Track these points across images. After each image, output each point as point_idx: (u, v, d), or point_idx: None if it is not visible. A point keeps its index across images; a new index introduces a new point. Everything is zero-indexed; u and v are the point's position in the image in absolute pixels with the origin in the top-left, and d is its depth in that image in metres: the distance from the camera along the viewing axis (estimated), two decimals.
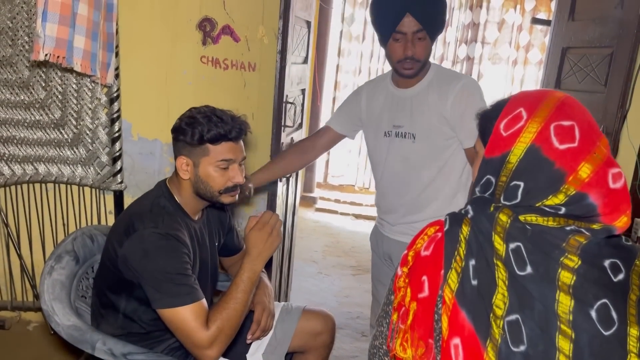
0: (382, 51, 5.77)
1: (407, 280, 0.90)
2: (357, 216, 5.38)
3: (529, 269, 0.79)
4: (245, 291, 1.39)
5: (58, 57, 1.75)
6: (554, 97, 0.85)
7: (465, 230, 0.86)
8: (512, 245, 0.81)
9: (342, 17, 5.55)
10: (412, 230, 1.69)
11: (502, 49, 5.45)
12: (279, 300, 2.56)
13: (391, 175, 1.79)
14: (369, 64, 5.65)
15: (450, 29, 5.47)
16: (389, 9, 1.63)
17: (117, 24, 2.13)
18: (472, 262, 0.84)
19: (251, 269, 1.42)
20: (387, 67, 5.92)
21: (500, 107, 0.89)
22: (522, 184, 0.83)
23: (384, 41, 1.69)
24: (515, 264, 0.80)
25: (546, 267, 0.78)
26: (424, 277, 0.87)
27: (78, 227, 2.41)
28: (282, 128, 2.14)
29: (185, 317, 1.31)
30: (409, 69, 1.65)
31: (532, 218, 0.82)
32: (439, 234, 0.89)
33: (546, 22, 4.64)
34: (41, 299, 1.40)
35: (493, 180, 0.87)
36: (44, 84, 2.20)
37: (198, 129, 1.40)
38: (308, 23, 2.46)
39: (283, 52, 2.02)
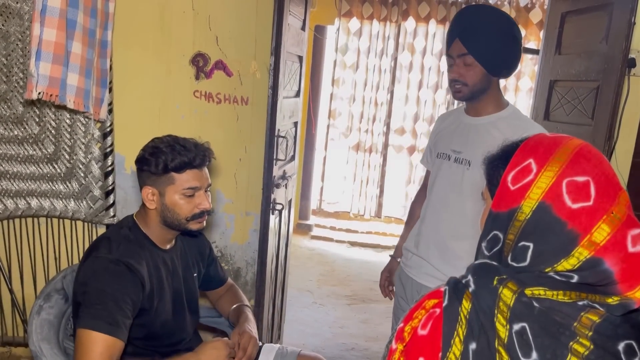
0: (376, 80, 5.81)
1: (402, 359, 0.83)
2: (353, 243, 5.36)
3: (534, 355, 0.71)
4: None
5: (51, 95, 1.78)
6: (567, 148, 0.77)
7: (466, 306, 0.77)
8: (516, 327, 0.73)
9: (336, 47, 5.62)
10: (441, 272, 1.68)
11: None
12: (272, 333, 2.55)
13: (434, 201, 1.77)
14: (363, 92, 5.71)
15: (443, 57, 5.55)
16: (448, 33, 1.70)
17: (111, 60, 2.16)
18: (473, 346, 0.76)
19: None
20: (381, 97, 5.94)
21: (508, 155, 0.82)
22: (531, 245, 0.75)
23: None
24: (520, 350, 0.72)
25: (553, 353, 0.71)
26: (421, 359, 0.80)
27: (70, 262, 2.41)
28: (274, 161, 2.15)
29: (95, 343, 1.28)
30: (457, 91, 1.67)
31: (540, 292, 0.74)
32: (437, 310, 0.81)
33: (535, 52, 4.72)
34: (29, 340, 1.39)
35: (501, 236, 0.79)
36: (37, 120, 2.22)
37: (162, 158, 1.41)
38: (300, 58, 2.50)
39: (275, 88, 2.05)
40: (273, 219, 2.24)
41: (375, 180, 5.88)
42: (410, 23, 5.51)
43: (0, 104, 2.19)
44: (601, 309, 0.72)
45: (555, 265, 0.73)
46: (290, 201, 2.58)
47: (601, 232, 0.72)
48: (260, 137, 2.32)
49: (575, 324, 0.71)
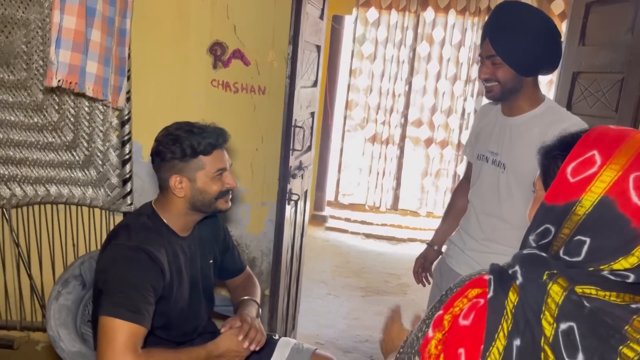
0: (394, 70, 5.76)
1: (440, 347, 0.79)
2: (368, 235, 5.36)
3: (580, 357, 0.68)
4: (192, 358, 1.40)
5: (70, 82, 1.78)
6: (636, 141, 0.73)
7: (512, 300, 0.74)
8: (563, 326, 0.69)
9: (353, 37, 5.58)
10: (480, 265, 1.66)
11: None
12: (286, 323, 2.55)
13: (476, 200, 1.77)
14: (380, 83, 5.67)
15: (463, 48, 5.48)
16: (482, 32, 1.68)
17: (129, 49, 2.16)
18: (517, 342, 0.73)
19: (210, 354, 1.43)
20: (398, 89, 5.91)
21: (568, 146, 0.78)
22: (588, 241, 0.72)
23: None
24: (565, 350, 0.69)
25: (601, 356, 0.68)
26: (461, 350, 0.77)
27: (88, 248, 2.43)
28: (291, 152, 2.14)
29: (118, 330, 1.28)
30: (488, 91, 1.65)
31: (591, 291, 0.72)
32: (481, 301, 0.77)
33: None
34: (47, 325, 1.41)
35: (552, 230, 0.75)
36: (57, 107, 2.24)
37: (186, 143, 1.42)
38: (318, 47, 2.48)
39: (292, 77, 2.04)
40: (289, 210, 2.24)
41: (392, 172, 5.85)
42: (429, 13, 5.45)
43: (21, 92, 2.21)
44: None
45: (612, 263, 0.71)
46: (306, 192, 2.57)
47: None
48: (277, 127, 2.31)
49: (626, 327, 0.68)
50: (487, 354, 0.73)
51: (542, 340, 0.71)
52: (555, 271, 0.73)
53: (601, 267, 0.71)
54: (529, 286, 0.73)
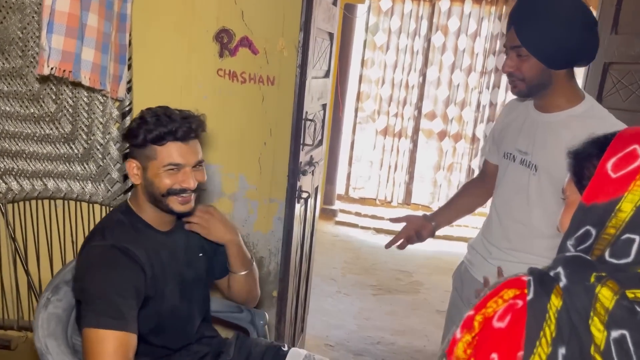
0: (407, 61, 5.60)
1: (469, 352, 0.73)
2: (378, 230, 5.23)
3: None
4: None
5: (64, 71, 1.66)
6: None
7: (556, 303, 0.68)
8: (614, 334, 0.64)
9: (366, 27, 5.42)
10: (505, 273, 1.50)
11: None
12: (295, 326, 2.43)
13: (501, 204, 1.60)
14: (393, 74, 5.50)
15: (478, 39, 5.30)
16: (507, 21, 1.50)
17: (130, 35, 2.03)
18: (562, 351, 0.67)
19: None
20: (412, 80, 5.75)
21: (601, 144, 0.75)
22: (637, 239, 0.68)
23: None
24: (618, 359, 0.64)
25: None
26: (494, 355, 0.70)
27: None
28: (301, 146, 2.01)
29: (104, 341, 1.18)
30: (513, 86, 1.48)
31: None
32: (519, 303, 0.71)
33: None
34: (35, 336, 1.30)
35: (593, 232, 0.71)
36: (54, 97, 2.11)
37: (143, 128, 1.32)
38: (331, 35, 2.34)
39: (303, 67, 1.90)
40: (298, 208, 2.11)
41: (404, 166, 5.71)
42: (444, 2, 5.27)
43: (16, 80, 2.09)
44: None
45: None
46: (316, 188, 2.44)
47: None
48: (286, 119, 2.17)
49: None
50: (530, 358, 0.67)
51: (592, 349, 0.65)
52: (603, 274, 0.68)
53: None
54: (575, 289, 0.68)
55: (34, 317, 2.33)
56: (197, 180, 1.38)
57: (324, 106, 2.39)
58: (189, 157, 1.35)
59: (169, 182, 1.34)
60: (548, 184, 1.46)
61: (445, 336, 1.84)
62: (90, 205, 2.27)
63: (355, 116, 5.73)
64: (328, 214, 5.45)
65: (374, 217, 5.53)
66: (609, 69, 2.22)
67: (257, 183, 2.31)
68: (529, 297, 0.70)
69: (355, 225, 5.31)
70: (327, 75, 2.39)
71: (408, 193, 5.79)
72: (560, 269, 0.71)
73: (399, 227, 1.84)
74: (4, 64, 2.06)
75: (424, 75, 5.46)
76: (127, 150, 2.10)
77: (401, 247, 1.84)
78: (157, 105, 1.40)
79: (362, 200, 5.93)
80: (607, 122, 1.41)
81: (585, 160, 0.77)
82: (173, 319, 1.46)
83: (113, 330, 1.19)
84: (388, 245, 1.84)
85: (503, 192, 1.59)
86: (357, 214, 5.59)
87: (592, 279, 0.67)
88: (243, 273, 1.60)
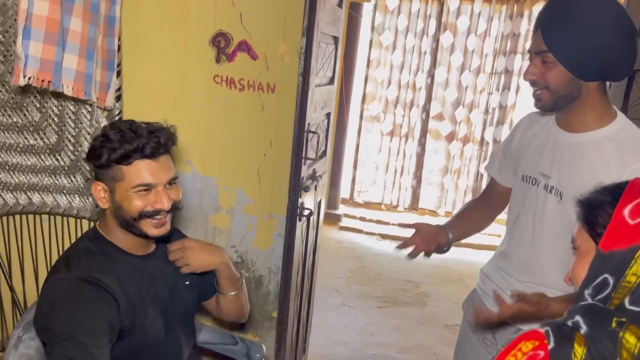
0: (415, 62, 5.43)
1: None
2: (384, 236, 5.07)
3: None
4: None
5: (43, 80, 1.51)
6: None
7: (580, 351, 0.68)
8: None
9: (372, 26, 5.26)
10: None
11: None
12: (296, 348, 2.29)
13: (520, 236, 1.43)
14: (399, 75, 5.34)
15: (488, 39, 5.14)
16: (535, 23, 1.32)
17: (119, 40, 1.89)
18: None
19: None
20: (419, 81, 5.57)
21: (613, 192, 0.75)
22: None
23: None
24: None
25: None
26: None
27: None
28: (303, 160, 1.86)
29: None
30: (537, 98, 1.30)
31: None
32: (541, 353, 0.69)
33: None
34: None
35: (612, 280, 0.71)
36: (38, 106, 1.98)
37: (106, 147, 1.17)
38: (335, 39, 2.18)
39: (305, 75, 1.75)
40: (300, 226, 1.96)
41: (410, 169, 5.55)
42: (453, 1, 5.11)
43: None
44: None
45: None
46: (319, 202, 2.28)
47: None
48: (287, 129, 2.02)
49: None
50: None
51: None
52: (624, 319, 0.68)
53: None
54: (597, 335, 0.68)
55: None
56: (172, 199, 1.24)
57: (327, 115, 2.24)
58: (161, 175, 1.21)
59: (140, 204, 1.20)
60: (573, 212, 1.29)
61: None
62: (78, 220, 2.13)
63: (361, 118, 5.57)
64: (332, 218, 5.30)
65: (379, 222, 5.38)
66: (635, 76, 2.06)
67: (257, 197, 2.16)
68: (550, 347, 0.69)
69: (359, 231, 5.16)
70: (331, 81, 2.24)
71: (415, 197, 5.64)
72: (578, 318, 0.71)
73: (406, 232, 1.66)
74: None
75: (432, 76, 5.30)
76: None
77: (413, 255, 1.61)
78: (122, 120, 1.26)
79: (367, 205, 5.78)
80: (638, 138, 1.26)
81: (599, 208, 0.77)
82: (157, 351, 1.32)
83: None
84: (399, 248, 1.61)
85: (524, 220, 1.42)
86: (362, 219, 5.44)
87: (614, 325, 0.67)
88: (233, 293, 1.45)
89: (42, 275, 2.20)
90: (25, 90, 1.94)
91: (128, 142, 1.16)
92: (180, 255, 1.34)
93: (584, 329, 0.69)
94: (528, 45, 5.14)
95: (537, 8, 4.91)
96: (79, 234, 2.14)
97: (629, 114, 2.09)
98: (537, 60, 1.27)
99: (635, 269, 0.69)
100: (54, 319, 1.11)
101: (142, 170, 1.18)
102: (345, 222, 5.37)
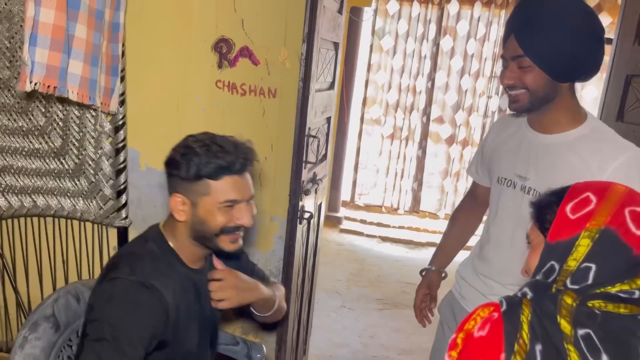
0: (414, 66, 5.47)
1: None
2: (384, 239, 5.11)
3: (604, 358, 0.74)
4: None
5: (49, 86, 1.54)
6: (620, 186, 0.85)
7: (527, 312, 0.80)
8: (581, 332, 0.76)
9: (372, 30, 5.29)
10: None
11: None
12: (297, 350, 2.31)
13: (497, 238, 1.46)
14: (400, 79, 5.38)
15: (487, 43, 5.17)
16: (505, 29, 1.36)
17: (123, 46, 1.92)
18: (539, 347, 0.77)
19: None
20: (420, 85, 5.61)
21: (559, 194, 0.87)
22: (594, 266, 0.79)
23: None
24: (588, 352, 0.75)
25: (626, 356, 0.74)
26: None
27: (79, 264, 2.21)
28: (304, 164, 1.89)
29: None
30: (513, 100, 1.32)
31: (600, 304, 0.78)
32: (495, 314, 0.82)
33: (607, 41, 4.31)
34: None
35: (557, 266, 0.82)
36: (43, 110, 2.01)
37: (194, 161, 1.17)
38: (336, 45, 2.21)
39: (306, 80, 1.78)
40: (300, 228, 1.99)
41: (411, 172, 5.58)
42: (453, 5, 5.15)
43: (3, 92, 1.98)
44: None
45: (618, 285, 0.78)
46: (320, 205, 2.31)
47: None
48: (288, 133, 2.05)
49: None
50: (512, 358, 0.76)
51: (565, 341, 0.76)
52: (562, 287, 0.80)
53: (608, 288, 0.78)
54: (541, 298, 0.80)
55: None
56: (252, 216, 1.25)
57: (328, 119, 2.27)
58: (245, 192, 1.22)
59: (223, 219, 1.20)
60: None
61: None
62: (82, 223, 2.16)
63: (361, 122, 5.61)
64: (333, 221, 5.33)
65: (379, 224, 5.41)
66: (631, 82, 2.09)
67: (258, 200, 2.18)
68: (503, 309, 0.82)
69: (360, 233, 5.19)
70: (331, 86, 2.27)
71: (416, 200, 5.67)
72: (526, 289, 0.84)
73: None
74: None
75: (432, 80, 5.33)
76: (122, 165, 2.00)
77: (428, 317, 1.76)
78: (202, 132, 1.25)
79: (368, 207, 5.81)
80: (616, 144, 1.29)
81: (547, 207, 0.87)
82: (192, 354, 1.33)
83: None
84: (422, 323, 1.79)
85: (504, 222, 1.44)
86: (363, 222, 5.47)
87: (554, 290, 0.80)
88: (268, 314, 1.47)
89: (46, 277, 2.23)
90: (31, 95, 1.97)
91: (217, 157, 1.16)
92: (220, 289, 1.33)
93: (530, 294, 0.82)
94: None
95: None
96: (83, 237, 2.17)
97: (625, 118, 2.12)
98: (513, 65, 1.29)
99: (575, 255, 0.80)
100: (106, 316, 1.13)
101: (229, 186, 1.18)
102: (345, 224, 5.40)
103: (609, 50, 4.20)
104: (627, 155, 1.25)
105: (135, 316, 1.14)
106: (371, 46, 5.36)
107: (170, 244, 1.28)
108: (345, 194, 5.71)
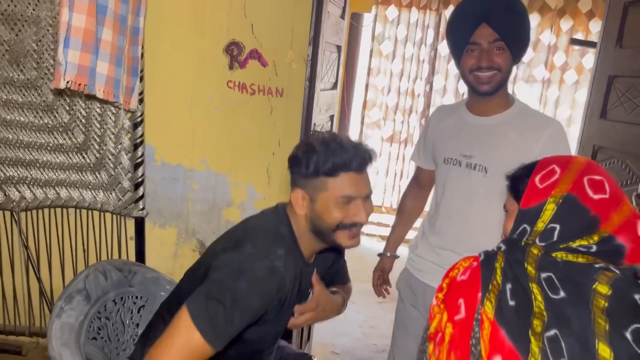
0: (413, 70, 5.61)
1: (442, 306, 0.96)
2: (384, 237, 5.22)
3: (562, 294, 0.86)
4: None
5: (80, 84, 1.70)
6: (581, 158, 0.99)
7: (500, 260, 0.94)
8: (544, 275, 0.89)
9: (372, 35, 5.46)
10: None
11: (537, 70, 5.28)
12: (302, 335, 2.46)
13: (449, 211, 1.63)
14: (399, 83, 5.54)
15: None
16: (465, 20, 1.52)
17: (142, 48, 2.07)
18: (509, 286, 0.90)
19: None
20: (418, 88, 5.74)
21: (530, 167, 1.01)
22: (558, 227, 0.92)
23: (457, 55, 1.57)
24: (549, 289, 0.87)
25: (579, 293, 0.85)
26: (461, 300, 0.93)
27: (98, 253, 2.36)
28: None
29: (187, 335, 1.12)
30: (485, 82, 1.50)
31: (562, 255, 0.90)
32: (475, 263, 0.97)
33: (587, 44, 4.47)
34: (49, 345, 1.33)
35: (528, 228, 0.95)
36: (67, 108, 2.16)
37: (313, 159, 1.23)
38: (338, 47, 2.37)
39: (312, 80, 1.93)
40: None
41: (410, 173, 5.73)
42: (450, 11, 5.30)
43: (31, 91, 2.14)
44: (615, 270, 0.86)
45: (579, 241, 0.91)
46: None
47: (616, 218, 0.91)
48: (295, 130, 2.21)
49: (595, 276, 0.85)
50: (487, 295, 0.91)
51: (529, 280, 0.89)
52: (530, 241, 0.94)
53: (570, 243, 0.91)
54: (512, 249, 0.95)
55: (46, 324, 2.38)
56: (369, 213, 1.29)
57: (331, 117, 2.43)
58: (362, 189, 1.26)
59: (340, 215, 1.25)
60: (500, 184, 1.48)
61: (398, 344, 1.85)
62: (102, 214, 2.31)
63: (362, 124, 5.76)
64: None
65: (379, 224, 5.55)
66: (613, 82, 2.24)
67: (265, 193, 2.34)
68: (481, 258, 0.97)
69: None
70: (334, 87, 2.42)
71: None
72: (500, 244, 0.98)
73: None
74: (19, 75, 2.11)
75: (430, 83, 5.49)
76: (139, 159, 2.15)
77: (384, 293, 2.03)
78: (327, 131, 1.35)
79: None
80: (543, 118, 1.58)
81: (520, 179, 1.01)
82: (267, 340, 1.40)
83: (203, 339, 1.12)
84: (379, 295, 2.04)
85: (453, 197, 1.61)
86: None
87: (523, 243, 0.94)
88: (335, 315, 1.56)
89: (68, 267, 2.37)
90: (56, 93, 2.13)
91: (336, 155, 1.22)
92: (306, 311, 1.39)
93: (503, 247, 0.96)
94: None
95: (531, 18, 5.11)
96: (102, 227, 2.32)
97: (607, 116, 2.27)
98: (490, 48, 1.49)
99: (543, 218, 0.93)
100: (231, 286, 1.17)
101: (346, 182, 1.23)
102: None
103: (583, 51, 4.36)
104: (554, 127, 1.51)
105: (257, 297, 1.18)
106: (371, 51, 5.52)
107: (295, 233, 1.33)
108: None
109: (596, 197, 0.91)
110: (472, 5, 1.53)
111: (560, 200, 0.93)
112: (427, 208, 1.87)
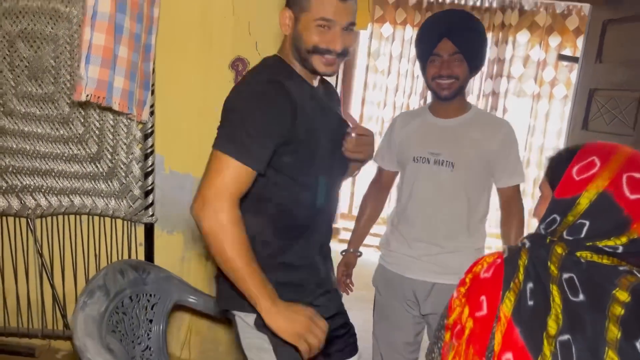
0: (408, 85, 5.75)
1: (463, 300, 0.98)
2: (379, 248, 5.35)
3: (581, 297, 0.86)
4: (256, 284, 1.23)
5: (99, 97, 1.84)
6: (625, 150, 0.93)
7: (524, 258, 0.94)
8: (565, 275, 0.88)
9: (368, 52, 5.63)
10: (437, 266, 1.75)
11: (527, 84, 5.46)
12: None
13: (420, 203, 1.79)
14: (394, 97, 5.70)
15: None
16: (430, 34, 1.75)
17: (154, 63, 2.22)
18: (530, 285, 0.91)
19: (269, 311, 1.25)
20: (413, 103, 5.88)
21: (572, 153, 0.96)
22: (587, 223, 0.90)
23: (423, 64, 1.78)
24: (569, 291, 0.87)
25: (599, 298, 0.85)
26: (483, 297, 0.95)
27: (109, 259, 2.47)
28: None
29: (225, 167, 1.19)
30: (445, 88, 1.72)
31: (587, 254, 0.89)
32: (499, 260, 0.98)
33: (574, 59, 4.65)
34: (74, 335, 1.44)
35: (559, 219, 0.94)
36: (82, 120, 2.29)
37: None
38: None
39: None
40: None
41: None
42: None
43: (48, 105, 2.27)
44: (639, 275, 0.86)
45: (606, 240, 0.89)
46: None
47: None
48: None
49: (616, 281, 0.85)
50: (507, 293, 0.92)
51: (550, 282, 0.89)
52: (555, 239, 0.93)
53: (597, 242, 0.89)
54: (536, 246, 0.94)
55: (58, 327, 2.48)
56: (345, 44, 1.30)
57: None
58: (342, 16, 1.28)
59: (317, 39, 1.28)
60: (465, 177, 1.74)
61: (381, 336, 1.99)
62: (113, 220, 2.43)
63: None
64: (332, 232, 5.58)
65: (376, 235, 5.64)
66: (594, 95, 2.39)
67: None
68: (505, 255, 0.98)
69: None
70: None
71: None
72: (525, 240, 0.97)
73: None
74: (37, 89, 2.25)
75: (424, 98, 5.66)
76: (150, 168, 2.28)
77: (348, 289, 2.17)
78: None
79: None
80: (498, 120, 1.87)
81: (559, 165, 0.97)
82: (324, 170, 1.40)
83: (234, 159, 1.19)
84: (345, 291, 2.16)
85: (423, 192, 1.79)
86: None
87: (548, 241, 0.93)
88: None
89: (81, 272, 2.49)
90: (71, 106, 2.26)
91: None
92: (364, 144, 1.43)
93: (528, 244, 0.96)
94: (513, 69, 5.46)
95: (521, 35, 5.31)
96: (114, 233, 2.44)
97: (589, 127, 2.42)
98: (451, 59, 1.71)
99: (574, 212, 0.91)
100: (235, 108, 1.26)
101: (327, 5, 1.26)
102: (343, 235, 5.65)
103: (571, 67, 4.52)
104: (507, 128, 1.78)
105: (261, 109, 1.23)
106: (367, 67, 5.69)
107: (287, 62, 1.38)
108: (343, 207, 5.98)
109: (632, 197, 0.88)
110: (437, 22, 1.77)
111: (595, 197, 0.90)
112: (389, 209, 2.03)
